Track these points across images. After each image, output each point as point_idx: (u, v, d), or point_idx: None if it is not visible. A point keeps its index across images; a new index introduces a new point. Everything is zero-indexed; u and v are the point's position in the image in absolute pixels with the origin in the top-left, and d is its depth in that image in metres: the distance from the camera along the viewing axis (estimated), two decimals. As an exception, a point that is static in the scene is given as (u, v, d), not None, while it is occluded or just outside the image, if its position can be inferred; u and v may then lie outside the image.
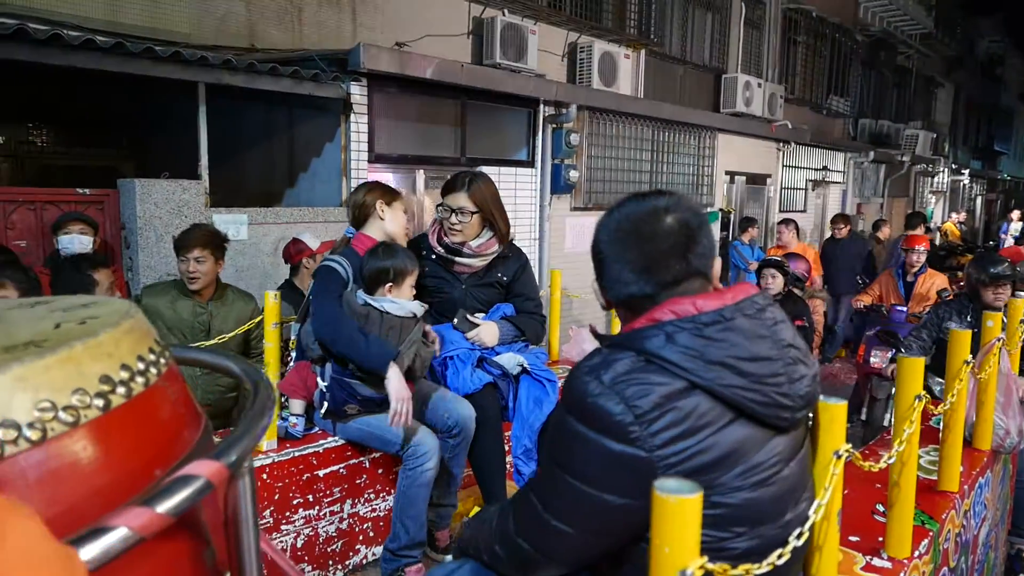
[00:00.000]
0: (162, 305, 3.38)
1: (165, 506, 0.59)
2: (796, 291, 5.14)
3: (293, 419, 2.81)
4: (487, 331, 2.90)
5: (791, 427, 1.23)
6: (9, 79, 4.74)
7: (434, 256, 2.95)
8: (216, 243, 3.40)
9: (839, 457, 1.30)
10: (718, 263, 1.30)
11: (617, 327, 1.40)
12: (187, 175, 4.75)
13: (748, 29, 11.19)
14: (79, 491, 0.62)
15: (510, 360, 2.90)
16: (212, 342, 3.32)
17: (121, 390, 0.68)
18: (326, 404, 2.73)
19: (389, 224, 2.84)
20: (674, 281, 1.23)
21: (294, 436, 2.79)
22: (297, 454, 2.73)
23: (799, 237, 7.89)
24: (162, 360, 0.77)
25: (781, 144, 11.51)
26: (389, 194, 2.87)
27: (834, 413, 1.31)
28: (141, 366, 0.72)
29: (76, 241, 3.72)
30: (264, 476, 2.62)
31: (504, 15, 6.98)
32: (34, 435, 0.61)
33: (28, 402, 0.61)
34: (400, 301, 2.63)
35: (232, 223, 4.82)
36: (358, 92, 5.51)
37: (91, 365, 0.66)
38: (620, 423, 1.11)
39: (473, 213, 2.86)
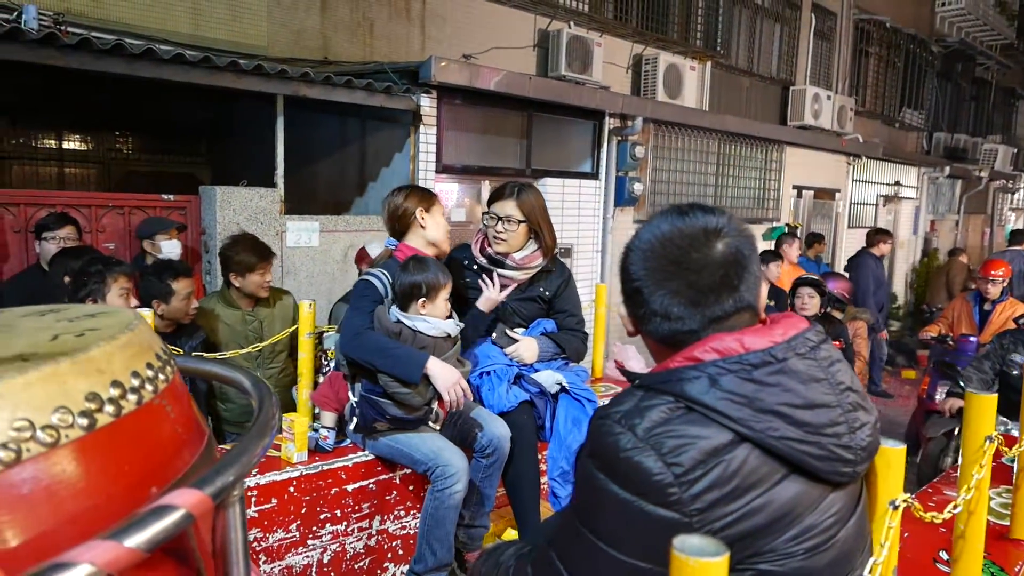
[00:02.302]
0: (212, 319, 3.47)
1: (135, 540, 0.53)
2: (836, 312, 5.03)
3: (324, 431, 2.77)
4: (526, 347, 2.83)
5: (849, 482, 1.09)
6: (101, 89, 5.00)
7: (476, 267, 2.88)
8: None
9: (895, 508, 1.18)
10: (764, 290, 1.20)
11: None
12: (262, 183, 4.93)
13: (818, 40, 10.99)
14: (55, 517, 0.58)
15: (548, 378, 2.82)
16: (266, 343, 3.43)
17: (109, 408, 0.64)
18: (355, 419, 2.69)
19: (431, 231, 2.75)
20: (724, 315, 1.10)
21: (324, 449, 2.75)
22: (326, 468, 2.68)
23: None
24: (161, 376, 0.73)
25: (851, 158, 11.23)
26: (427, 199, 2.78)
27: (890, 458, 1.17)
28: (136, 383, 0.68)
29: (173, 246, 3.98)
30: (292, 489, 2.60)
31: (570, 27, 7.03)
32: (6, 456, 0.57)
33: (3, 421, 0.58)
34: (433, 320, 2.53)
35: (304, 230, 4.98)
36: (427, 103, 5.62)
37: (77, 382, 0.62)
38: (658, 484, 0.97)
39: (520, 222, 2.79)
